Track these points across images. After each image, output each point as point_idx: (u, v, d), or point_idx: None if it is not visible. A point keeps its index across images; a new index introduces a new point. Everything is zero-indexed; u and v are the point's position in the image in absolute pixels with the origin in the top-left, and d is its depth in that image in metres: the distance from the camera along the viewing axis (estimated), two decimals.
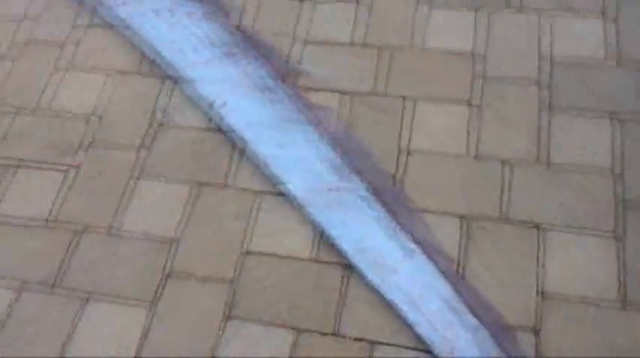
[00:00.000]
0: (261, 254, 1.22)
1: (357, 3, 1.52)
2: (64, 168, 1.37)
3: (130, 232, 1.28)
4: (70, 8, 1.60)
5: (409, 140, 1.33)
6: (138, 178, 1.34)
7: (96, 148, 1.39)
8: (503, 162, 1.27)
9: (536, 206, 1.21)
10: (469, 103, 1.36)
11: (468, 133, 1.32)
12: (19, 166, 1.39)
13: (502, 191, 1.24)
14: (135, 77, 1.48)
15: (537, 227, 1.19)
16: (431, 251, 1.18)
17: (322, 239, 1.22)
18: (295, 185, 1.28)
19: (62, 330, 1.18)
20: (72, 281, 1.23)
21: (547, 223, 1.19)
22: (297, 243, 1.22)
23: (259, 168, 1.32)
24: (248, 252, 1.23)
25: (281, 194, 1.28)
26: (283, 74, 1.43)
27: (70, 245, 1.28)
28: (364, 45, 1.47)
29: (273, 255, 1.22)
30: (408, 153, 1.31)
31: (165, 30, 1.47)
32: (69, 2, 1.61)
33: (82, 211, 1.31)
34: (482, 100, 1.36)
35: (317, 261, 1.20)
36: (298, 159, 1.31)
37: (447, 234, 1.20)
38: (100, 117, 1.43)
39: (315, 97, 1.41)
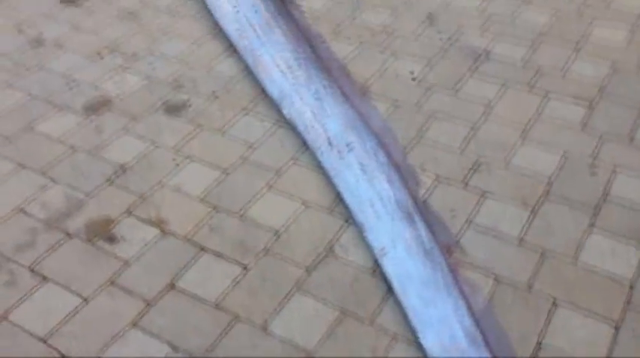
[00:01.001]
0: None
1: (531, 211, 1.70)
2: (240, 264, 1.60)
3: (276, 335, 1.44)
4: (280, 145, 1.94)
5: (545, 336, 1.41)
6: (296, 291, 1.53)
7: (270, 257, 1.62)
8: None
9: None
10: (615, 327, 1.42)
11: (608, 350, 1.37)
12: (204, 251, 1.64)
13: None
14: (322, 210, 1.73)
15: None
16: None
17: None
18: (430, 341, 1.39)
19: None
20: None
21: None
22: None
23: (403, 317, 1.45)
24: None
25: (416, 343, 1.40)
26: (445, 244, 1.61)
27: (224, 329, 1.46)
28: (527, 243, 1.62)
29: None
30: (540, 346, 1.39)
31: (362, 182, 1.74)
32: (275, 142, 1.95)
33: (243, 304, 1.51)
34: (631, 329, 1.42)
35: None
36: (439, 319, 1.43)
37: None
38: (282, 233, 1.67)
39: (467, 273, 1.55)
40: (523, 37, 2.36)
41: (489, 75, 2.19)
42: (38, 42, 2.43)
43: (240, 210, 1.75)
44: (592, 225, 1.66)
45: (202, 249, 1.65)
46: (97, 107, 2.13)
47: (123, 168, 1.89)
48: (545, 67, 2.21)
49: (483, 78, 2.18)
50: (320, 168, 1.85)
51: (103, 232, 1.70)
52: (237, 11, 2.43)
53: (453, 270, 1.54)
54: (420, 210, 1.68)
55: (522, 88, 2.13)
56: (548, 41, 2.33)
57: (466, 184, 1.80)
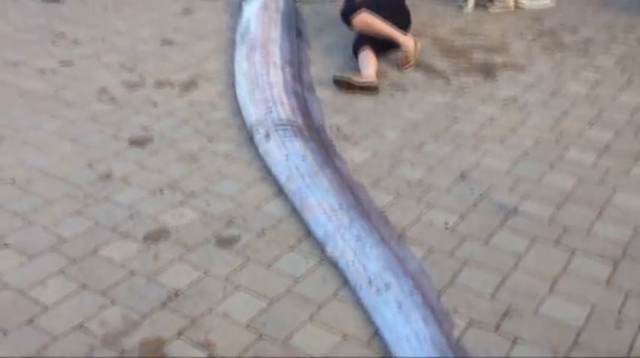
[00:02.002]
0: None
1: None
2: None
3: None
4: (322, 281, 2.08)
5: None
6: None
7: None
8: None
9: None
10: None
11: None
12: None
13: None
14: (361, 343, 1.85)
15: None
16: None
17: None
18: None
19: None
20: None
21: None
22: None
23: None
24: None
25: None
26: None
27: None
28: None
29: None
30: None
31: (399, 320, 1.86)
32: (318, 278, 2.10)
33: None
34: None
35: None
36: None
37: None
38: None
39: None
40: (549, 198, 2.55)
41: (518, 229, 2.36)
42: (107, 177, 2.71)
43: (284, 338, 1.86)
44: None
45: None
46: (156, 237, 2.33)
47: (176, 293, 2.04)
48: (570, 226, 2.38)
49: (512, 232, 2.35)
50: (359, 304, 1.98)
51: (155, 352, 1.82)
52: (287, 159, 2.70)
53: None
54: (454, 350, 1.77)
55: (549, 244, 2.28)
56: (573, 203, 2.52)
57: (497, 328, 1.90)
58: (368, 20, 3.68)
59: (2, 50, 4.03)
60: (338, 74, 3.54)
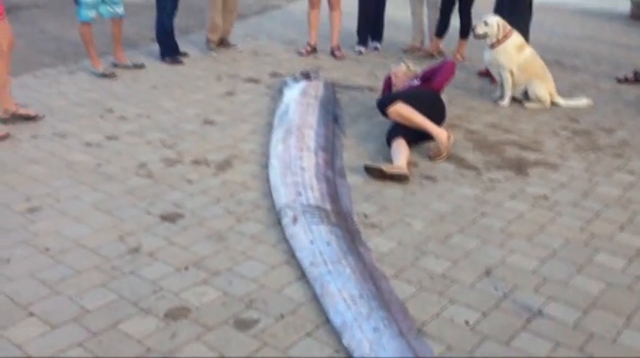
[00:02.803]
0: None
1: None
2: None
3: None
4: None
5: None
6: None
7: None
8: None
9: None
10: None
11: None
12: None
13: None
14: None
15: None
16: None
17: None
18: None
19: None
20: None
21: None
22: None
23: None
24: None
25: None
26: None
27: None
28: None
29: None
30: None
31: None
32: None
33: None
34: None
35: None
36: None
37: None
38: None
39: None
40: (575, 302, 2.50)
41: (541, 333, 2.31)
42: (136, 250, 2.78)
43: None
44: None
45: None
46: (176, 314, 2.35)
47: None
48: (596, 333, 2.31)
49: (535, 335, 2.30)
50: None
51: None
52: (312, 243, 2.74)
53: None
54: None
55: (573, 350, 2.22)
56: (600, 309, 2.46)
57: None
58: (403, 111, 3.78)
59: (54, 122, 4.25)
60: (369, 163, 3.61)
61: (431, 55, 6.26)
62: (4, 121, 4.14)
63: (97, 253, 2.74)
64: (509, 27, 4.85)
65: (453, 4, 6.04)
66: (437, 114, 3.96)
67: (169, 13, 5.72)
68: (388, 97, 4.01)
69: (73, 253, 2.74)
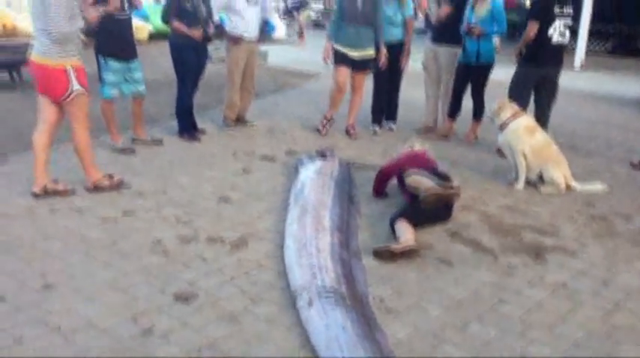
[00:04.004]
0: None
1: None
2: None
3: None
4: None
5: None
6: None
7: None
8: None
9: None
10: None
11: None
12: None
13: None
14: None
15: None
16: None
17: None
18: None
19: None
20: None
21: None
22: None
23: None
24: None
25: None
26: None
27: None
28: None
29: None
30: None
31: None
32: None
33: None
34: None
35: None
36: None
37: None
38: None
39: None
40: None
41: None
42: (149, 332, 2.73)
43: None
44: None
45: None
46: None
47: None
48: None
49: None
50: None
51: None
52: (328, 328, 2.68)
53: None
54: None
55: None
56: None
57: None
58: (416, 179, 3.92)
59: (72, 197, 4.30)
60: (376, 246, 3.58)
61: (444, 136, 6.34)
62: (36, 196, 4.20)
63: (109, 334, 2.70)
64: (517, 108, 4.95)
65: (465, 86, 6.17)
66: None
67: (189, 91, 5.88)
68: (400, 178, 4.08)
69: (85, 333, 2.70)
